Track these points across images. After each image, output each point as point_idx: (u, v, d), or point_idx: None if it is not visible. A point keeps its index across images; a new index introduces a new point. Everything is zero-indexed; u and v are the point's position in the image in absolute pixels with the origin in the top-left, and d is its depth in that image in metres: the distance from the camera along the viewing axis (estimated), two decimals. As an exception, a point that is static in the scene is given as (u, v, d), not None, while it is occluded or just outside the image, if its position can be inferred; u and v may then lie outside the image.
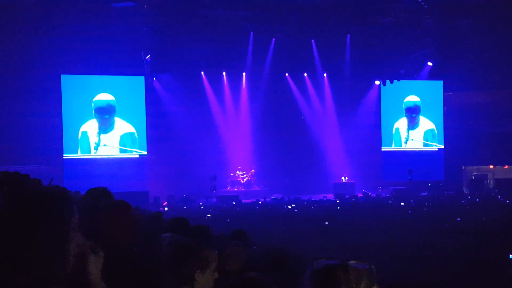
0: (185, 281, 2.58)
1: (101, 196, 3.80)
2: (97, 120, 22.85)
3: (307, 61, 24.08)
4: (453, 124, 26.61)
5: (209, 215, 17.21)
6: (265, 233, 12.19)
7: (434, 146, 27.01)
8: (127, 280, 2.42)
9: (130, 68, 22.64)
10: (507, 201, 19.56)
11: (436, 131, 26.97)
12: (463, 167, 26.73)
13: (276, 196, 22.71)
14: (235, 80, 25.05)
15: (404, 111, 26.78)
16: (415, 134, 26.91)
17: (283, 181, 24.55)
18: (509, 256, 9.84)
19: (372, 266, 1.58)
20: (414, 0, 19.50)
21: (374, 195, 23.22)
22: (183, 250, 2.64)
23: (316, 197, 21.91)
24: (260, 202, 20.88)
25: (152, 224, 5.79)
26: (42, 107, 21.71)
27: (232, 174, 24.69)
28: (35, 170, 16.01)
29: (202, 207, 19.82)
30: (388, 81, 25.72)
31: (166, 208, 19.26)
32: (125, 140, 23.15)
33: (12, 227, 1.54)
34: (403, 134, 26.85)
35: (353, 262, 1.57)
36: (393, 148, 26.74)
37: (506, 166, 26.20)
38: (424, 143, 26.97)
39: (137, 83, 23.33)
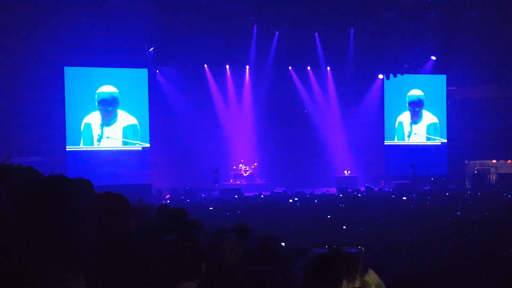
0: (186, 277, 2.59)
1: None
2: (100, 112, 22.86)
3: (311, 54, 24.05)
4: (456, 118, 26.56)
5: (211, 208, 17.22)
6: (267, 226, 12.20)
7: (437, 140, 26.96)
8: (126, 274, 2.42)
9: (133, 60, 22.62)
10: (510, 196, 19.53)
11: (439, 125, 26.91)
12: (466, 162, 26.69)
13: (279, 189, 22.71)
14: (238, 73, 25.03)
15: (407, 105, 26.73)
16: (418, 128, 26.87)
17: (285, 174, 24.57)
18: (511, 251, 9.84)
19: (363, 248, 1.58)
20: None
21: (376, 189, 23.21)
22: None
23: (319, 190, 21.90)
24: (262, 196, 20.89)
25: (159, 217, 5.79)
26: (45, 99, 21.74)
27: (234, 167, 24.73)
28: (38, 162, 16.05)
29: (204, 201, 19.81)
30: (391, 75, 25.66)
31: (168, 201, 19.31)
32: (128, 132, 23.17)
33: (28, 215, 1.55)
34: (406, 128, 26.80)
35: (344, 247, 1.57)
36: (396, 142, 26.70)
37: (509, 161, 26.16)
38: (427, 137, 26.93)
39: (140, 75, 23.32)
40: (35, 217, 1.56)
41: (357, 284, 1.42)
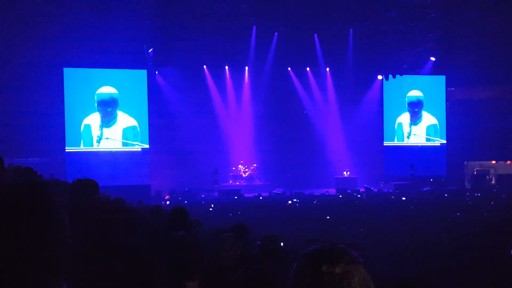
0: (188, 277, 2.58)
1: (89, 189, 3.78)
2: (99, 113, 22.86)
3: (310, 55, 24.04)
4: (455, 119, 26.58)
5: (211, 209, 17.23)
6: (266, 227, 12.20)
7: (437, 141, 26.96)
8: (112, 275, 2.39)
9: (133, 61, 22.63)
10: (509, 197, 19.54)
11: (438, 126, 26.92)
12: (466, 163, 26.70)
13: (278, 190, 22.71)
14: (237, 74, 25.03)
15: (406, 106, 26.74)
16: (417, 129, 26.88)
17: (285, 175, 24.57)
18: (510, 252, 9.83)
19: (358, 247, 1.65)
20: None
21: (376, 190, 23.22)
22: None
23: (318, 191, 21.93)
24: (260, 198, 20.88)
25: (154, 217, 5.80)
26: (45, 100, 21.76)
27: (234, 168, 24.72)
28: (37, 163, 16.05)
29: (203, 202, 19.82)
30: (390, 76, 25.65)
31: (168, 202, 19.30)
32: (127, 133, 23.17)
33: None
34: (406, 129, 26.81)
35: (342, 244, 1.66)
36: (395, 143, 26.70)
37: (509, 162, 26.16)
38: (426, 138, 26.93)
39: (140, 76, 23.32)
40: (10, 221, 1.54)
41: (337, 270, 1.47)
